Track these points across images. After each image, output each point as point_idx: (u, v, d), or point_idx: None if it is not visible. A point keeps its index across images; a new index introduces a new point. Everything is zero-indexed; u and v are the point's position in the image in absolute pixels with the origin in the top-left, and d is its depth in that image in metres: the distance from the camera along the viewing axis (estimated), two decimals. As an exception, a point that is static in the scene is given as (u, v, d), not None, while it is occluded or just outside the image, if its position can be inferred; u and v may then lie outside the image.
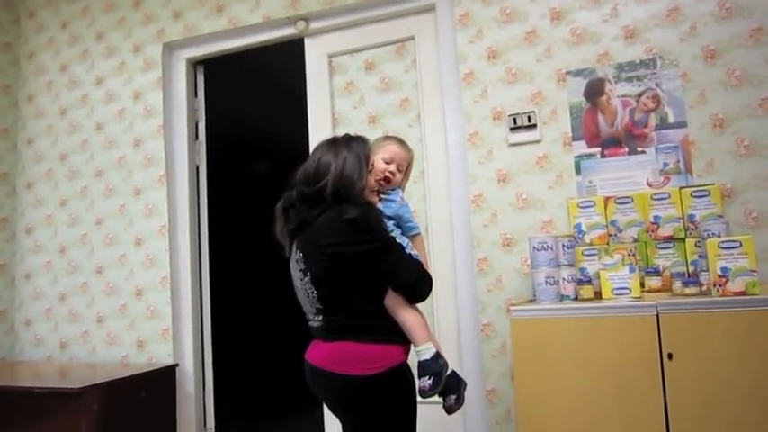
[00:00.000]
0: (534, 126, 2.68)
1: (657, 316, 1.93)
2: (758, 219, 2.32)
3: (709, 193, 2.30)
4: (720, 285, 1.92)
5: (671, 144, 2.47)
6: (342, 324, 1.78)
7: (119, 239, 3.49)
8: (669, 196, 2.36)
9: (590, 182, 2.58)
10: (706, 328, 1.88)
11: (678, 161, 2.45)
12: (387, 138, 2.12)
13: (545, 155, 2.66)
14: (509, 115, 2.72)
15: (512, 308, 2.18)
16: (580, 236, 2.44)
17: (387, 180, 1.97)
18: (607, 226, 2.43)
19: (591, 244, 2.40)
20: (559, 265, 2.28)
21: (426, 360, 1.79)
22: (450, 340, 2.84)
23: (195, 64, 3.60)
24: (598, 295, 2.16)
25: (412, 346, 1.85)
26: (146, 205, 3.43)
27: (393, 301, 1.82)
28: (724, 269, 1.93)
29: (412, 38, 3.04)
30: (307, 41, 3.27)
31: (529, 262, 2.44)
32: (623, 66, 2.57)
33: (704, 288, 2.04)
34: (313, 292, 1.82)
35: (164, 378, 3.18)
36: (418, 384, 1.78)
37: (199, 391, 3.35)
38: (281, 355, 3.71)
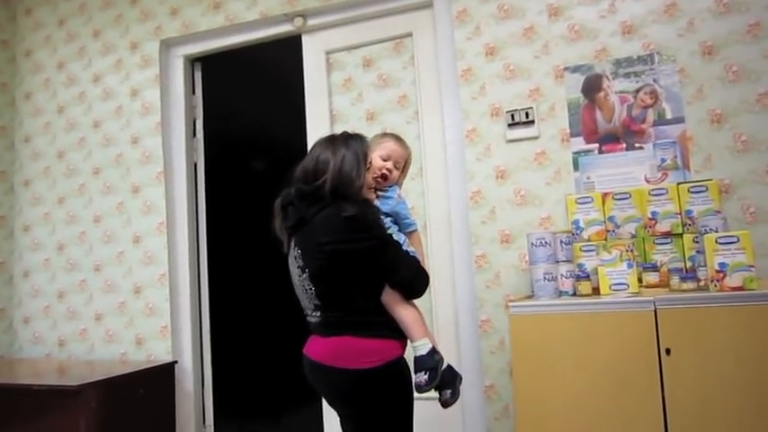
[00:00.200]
0: (532, 122, 2.68)
1: (655, 311, 1.93)
2: (756, 214, 2.33)
3: (707, 189, 2.30)
4: (718, 281, 1.93)
5: (668, 140, 2.47)
6: (340, 320, 1.81)
7: (117, 237, 3.48)
8: (667, 192, 2.36)
9: (588, 178, 2.58)
10: (704, 324, 1.88)
11: (676, 157, 2.46)
12: (384, 135, 2.13)
13: (543, 151, 2.66)
14: (507, 112, 2.72)
15: (510, 304, 2.18)
16: (578, 232, 2.44)
17: (384, 177, 1.99)
18: (605, 222, 2.43)
19: (589, 240, 2.40)
20: (558, 261, 2.28)
21: (422, 355, 1.81)
22: (448, 336, 2.84)
23: (193, 61, 3.59)
24: (596, 291, 2.16)
25: (409, 342, 1.87)
26: (144, 202, 3.43)
27: (390, 298, 1.84)
28: (722, 264, 1.93)
29: (410, 34, 3.04)
30: (304, 38, 3.26)
31: (527, 258, 2.44)
32: (621, 62, 2.57)
33: (702, 283, 2.04)
34: (311, 289, 1.84)
35: (162, 375, 3.18)
36: (414, 379, 1.81)
37: (198, 388, 3.36)
38: (280, 352, 3.71)
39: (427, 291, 2.82)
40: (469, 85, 2.81)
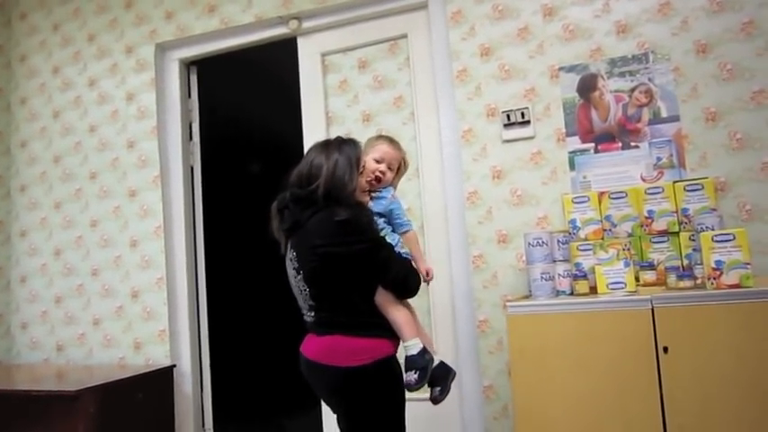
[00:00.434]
0: (528, 122, 2.68)
1: (652, 310, 1.94)
2: (751, 212, 2.33)
3: (703, 187, 2.31)
4: (714, 278, 1.93)
5: (664, 138, 2.48)
6: (333, 320, 1.88)
7: (114, 241, 3.48)
8: (663, 190, 2.37)
9: (584, 177, 2.59)
10: (701, 322, 1.89)
11: (671, 155, 2.46)
12: (378, 137, 2.17)
13: (539, 151, 2.67)
14: (502, 112, 2.72)
15: (508, 304, 2.18)
16: (575, 231, 2.44)
17: (378, 179, 2.03)
18: (602, 221, 2.43)
19: (586, 239, 2.40)
20: (555, 261, 2.29)
21: (413, 355, 1.86)
22: (446, 337, 2.84)
23: (188, 64, 3.59)
24: (593, 290, 2.17)
25: (401, 342, 1.92)
26: (140, 206, 3.42)
27: (383, 299, 1.90)
28: (718, 262, 1.94)
29: (405, 36, 3.04)
30: (300, 41, 3.26)
31: (524, 258, 2.45)
32: (616, 61, 2.58)
33: (698, 281, 2.04)
34: (305, 290, 1.91)
35: (161, 379, 3.17)
36: (405, 378, 1.86)
37: (196, 391, 3.35)
38: (279, 355, 3.71)
39: (425, 291, 2.85)
40: (465, 86, 2.81)
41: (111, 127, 3.55)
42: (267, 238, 2.06)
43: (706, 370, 1.87)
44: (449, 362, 2.49)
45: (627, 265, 2.12)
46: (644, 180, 2.48)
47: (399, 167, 2.11)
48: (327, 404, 1.98)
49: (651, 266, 2.23)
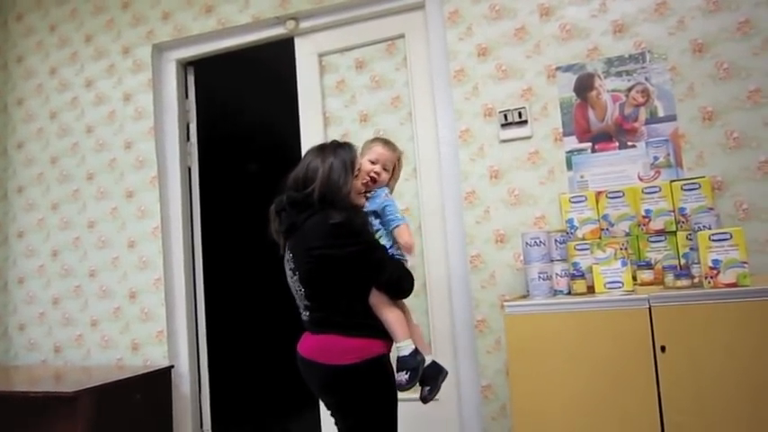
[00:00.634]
0: (525, 122, 2.68)
1: (650, 309, 1.94)
2: (748, 210, 2.34)
3: (700, 186, 2.31)
4: (712, 277, 1.94)
5: (661, 138, 2.48)
6: (327, 319, 1.93)
7: (111, 242, 3.47)
8: (660, 190, 2.37)
9: (581, 177, 2.59)
10: (698, 321, 1.89)
11: (668, 154, 2.47)
12: (374, 140, 2.22)
13: (536, 151, 2.67)
14: (500, 112, 2.73)
15: (505, 304, 2.18)
16: (572, 231, 2.45)
17: (373, 180, 2.08)
18: (599, 220, 2.44)
19: (583, 239, 2.41)
20: (552, 261, 2.29)
21: (405, 356, 1.92)
22: (444, 337, 2.84)
23: (185, 65, 3.59)
24: (591, 289, 2.17)
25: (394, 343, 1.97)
26: (138, 207, 3.42)
27: (377, 300, 1.94)
28: (715, 261, 1.94)
29: (402, 36, 3.04)
30: (297, 41, 3.26)
31: (522, 258, 2.45)
32: (612, 60, 2.58)
33: (696, 280, 2.05)
34: (301, 290, 1.98)
35: (159, 380, 3.17)
36: (396, 378, 1.91)
37: (195, 392, 3.35)
38: (277, 355, 3.71)
39: (423, 291, 2.86)
40: (462, 86, 2.81)
41: (109, 128, 3.54)
42: (265, 238, 2.09)
43: (703, 368, 1.87)
44: (447, 361, 2.50)
45: (624, 264, 2.13)
46: (641, 179, 2.49)
47: (395, 169, 2.17)
48: (320, 398, 2.06)
49: (648, 266, 2.23)
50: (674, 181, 2.38)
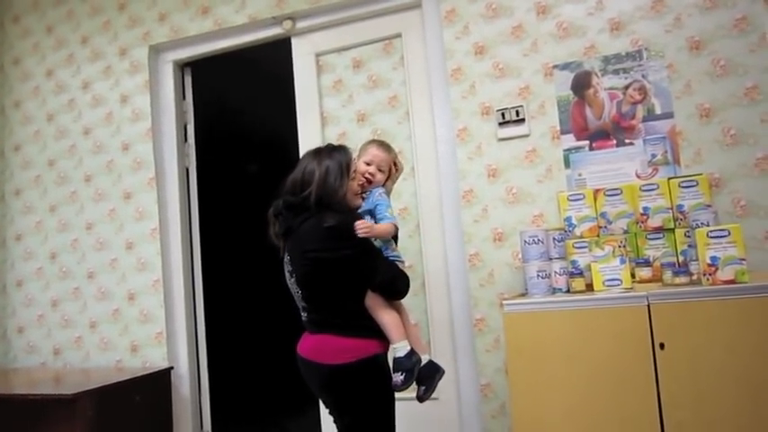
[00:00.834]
0: (522, 120, 2.68)
1: (648, 306, 1.94)
2: (746, 207, 2.34)
3: (698, 183, 2.32)
4: (710, 274, 1.94)
5: (658, 135, 2.49)
6: (324, 320, 1.98)
7: (110, 244, 3.47)
8: (658, 187, 2.38)
9: (579, 175, 2.59)
10: (697, 318, 1.89)
11: (666, 152, 2.47)
12: (370, 142, 2.27)
13: (534, 149, 2.67)
14: (497, 110, 2.73)
15: (504, 302, 2.18)
16: (570, 229, 2.45)
17: (369, 181, 2.13)
18: (597, 218, 2.44)
19: (581, 236, 2.41)
20: (551, 259, 2.29)
21: (400, 357, 1.95)
22: (443, 336, 2.84)
23: (182, 66, 3.58)
24: (590, 287, 2.17)
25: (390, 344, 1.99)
26: (136, 209, 3.42)
27: (372, 302, 1.97)
28: (713, 258, 1.94)
29: (399, 35, 3.04)
30: (294, 41, 3.26)
31: (520, 256, 2.45)
32: (609, 58, 2.58)
33: (694, 277, 2.05)
34: (298, 292, 2.03)
35: (159, 382, 3.17)
36: (393, 379, 1.93)
37: (194, 393, 3.35)
38: (276, 356, 3.71)
39: (422, 291, 2.86)
40: (459, 85, 2.81)
41: (106, 129, 3.54)
42: (264, 238, 2.11)
43: (702, 365, 1.87)
44: (446, 360, 2.50)
45: (623, 261, 2.13)
46: (639, 177, 2.49)
47: (391, 170, 2.20)
48: (318, 396, 2.10)
49: (647, 263, 2.23)
50: (672, 178, 2.38)
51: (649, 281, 2.18)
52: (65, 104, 3.66)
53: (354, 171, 2.06)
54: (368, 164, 2.13)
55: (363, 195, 2.12)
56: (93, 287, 3.49)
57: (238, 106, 4.80)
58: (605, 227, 2.43)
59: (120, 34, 3.56)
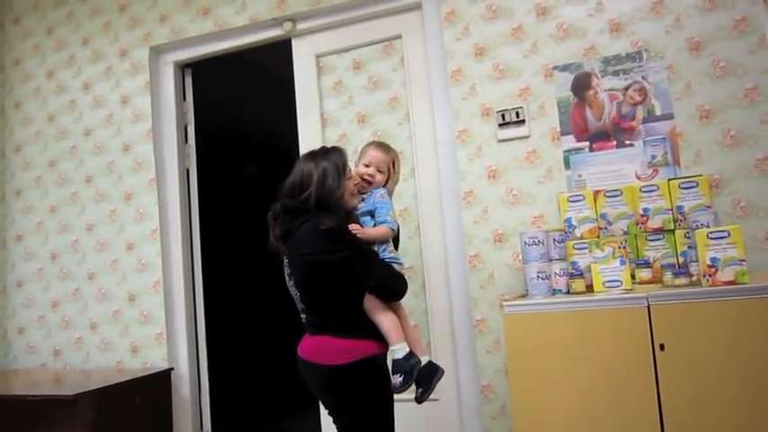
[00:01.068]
0: (523, 122, 2.69)
1: (649, 307, 1.94)
2: (746, 208, 2.34)
3: (698, 184, 2.32)
4: (710, 275, 1.94)
5: (658, 136, 2.49)
6: (322, 322, 2.00)
7: (110, 245, 3.47)
8: (658, 188, 2.38)
9: (579, 176, 2.59)
10: (697, 319, 1.89)
11: (666, 153, 2.47)
12: (369, 144, 2.29)
13: (534, 150, 2.67)
14: (497, 111, 2.73)
15: (504, 303, 2.18)
16: (571, 230, 2.45)
17: (368, 182, 2.15)
18: (597, 219, 2.44)
19: (581, 238, 2.41)
20: (551, 260, 2.29)
21: (399, 359, 1.95)
22: (443, 337, 2.84)
23: (183, 67, 3.59)
24: (590, 288, 2.17)
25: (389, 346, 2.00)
26: (136, 210, 3.42)
27: (370, 304, 1.98)
28: (713, 259, 1.94)
29: (399, 36, 3.04)
30: (294, 42, 3.26)
31: (520, 257, 2.45)
32: (609, 59, 2.58)
33: (694, 278, 2.05)
34: (297, 294, 2.05)
35: (159, 382, 3.17)
36: (392, 381, 1.94)
37: (194, 394, 3.35)
38: (276, 357, 3.71)
39: (422, 292, 2.86)
40: (459, 86, 2.81)
41: (107, 130, 3.54)
42: (264, 239, 2.12)
43: (702, 367, 1.87)
44: (446, 361, 2.50)
45: (623, 263, 2.13)
46: (639, 178, 2.49)
47: (390, 170, 2.21)
48: (317, 397, 2.11)
49: (647, 264, 2.23)
50: (672, 179, 2.38)
51: (649, 282, 2.18)
52: (65, 105, 3.67)
53: (349, 172, 2.09)
54: (367, 165, 2.16)
55: (364, 196, 2.13)
56: (94, 288, 3.49)
57: (239, 107, 4.80)
58: (605, 228, 2.43)
59: (120, 35, 3.56)
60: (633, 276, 2.18)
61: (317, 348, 1.98)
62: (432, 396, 2.05)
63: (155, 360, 3.30)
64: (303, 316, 2.07)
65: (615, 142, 2.55)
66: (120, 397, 2.87)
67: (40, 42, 3.78)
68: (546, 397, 2.05)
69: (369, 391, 1.95)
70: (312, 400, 2.25)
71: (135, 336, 3.36)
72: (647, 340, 1.93)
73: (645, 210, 2.38)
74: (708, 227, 2.05)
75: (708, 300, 1.89)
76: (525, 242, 2.30)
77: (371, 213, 2.09)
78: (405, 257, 2.66)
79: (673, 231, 2.33)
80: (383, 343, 1.98)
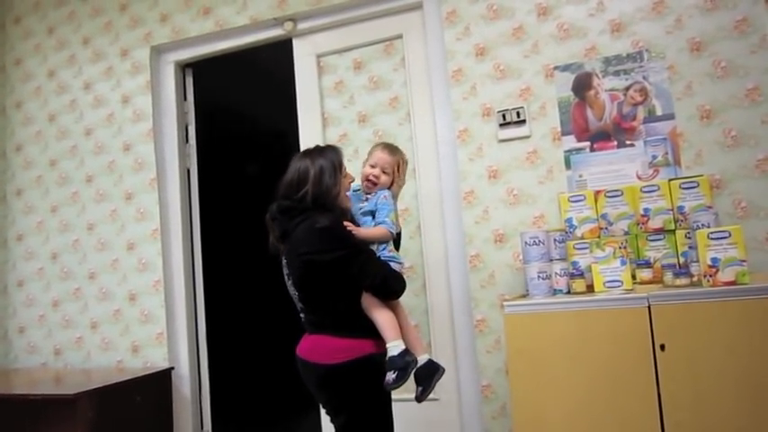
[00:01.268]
0: (523, 122, 2.68)
1: (649, 308, 1.94)
2: (747, 208, 2.34)
3: (698, 185, 2.32)
4: (711, 276, 1.94)
5: (659, 136, 2.49)
6: (319, 321, 2.02)
7: (111, 244, 3.47)
8: (658, 188, 2.38)
9: (580, 176, 2.59)
10: (698, 319, 1.89)
11: (667, 153, 2.47)
12: (377, 144, 2.29)
13: (535, 150, 2.67)
14: (498, 111, 2.73)
15: (505, 303, 2.18)
16: (571, 230, 2.45)
17: (373, 183, 2.15)
18: (598, 219, 2.44)
19: (582, 238, 2.41)
20: (551, 260, 2.29)
21: (393, 356, 1.93)
22: (444, 337, 2.84)
23: (183, 67, 3.59)
24: (590, 288, 2.17)
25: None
26: (137, 209, 3.42)
27: (367, 302, 1.99)
28: (714, 259, 1.94)
29: (400, 36, 3.04)
30: (295, 42, 3.26)
31: (521, 257, 2.45)
32: (610, 59, 2.58)
33: (695, 279, 2.05)
34: (295, 294, 2.07)
35: (159, 382, 3.17)
36: (385, 377, 1.92)
37: (195, 394, 3.35)
38: (277, 357, 3.71)
39: (423, 291, 2.86)
40: (460, 86, 2.81)
41: (107, 130, 3.54)
42: (264, 239, 2.12)
43: (703, 367, 1.87)
44: (447, 361, 2.50)
45: (623, 263, 2.13)
46: (639, 178, 2.49)
47: (395, 171, 2.21)
48: (315, 396, 2.10)
49: (647, 264, 2.23)
50: (673, 179, 2.38)
51: (650, 282, 2.18)
52: (66, 105, 3.67)
53: (344, 170, 2.10)
54: (373, 166, 2.17)
55: (367, 196, 2.15)
56: (94, 287, 3.49)
57: (239, 107, 4.80)
58: (606, 228, 2.43)
59: (121, 35, 3.56)
60: (634, 276, 2.18)
61: (314, 347, 1.99)
62: (432, 396, 2.04)
63: (155, 359, 3.30)
64: (302, 315, 2.08)
65: (616, 142, 2.55)
66: (121, 396, 2.88)
67: (40, 42, 3.79)
68: (546, 397, 2.05)
69: (365, 391, 1.95)
70: (312, 399, 2.25)
71: (135, 335, 3.36)
72: (648, 340, 1.93)
73: (645, 210, 2.38)
74: (708, 227, 2.05)
75: (708, 300, 1.89)
76: (526, 242, 2.30)
77: (373, 213, 2.09)
78: (405, 257, 2.66)
79: (673, 231, 2.33)
80: (380, 342, 1.97)
